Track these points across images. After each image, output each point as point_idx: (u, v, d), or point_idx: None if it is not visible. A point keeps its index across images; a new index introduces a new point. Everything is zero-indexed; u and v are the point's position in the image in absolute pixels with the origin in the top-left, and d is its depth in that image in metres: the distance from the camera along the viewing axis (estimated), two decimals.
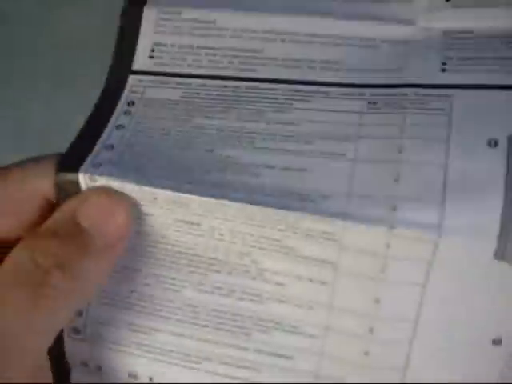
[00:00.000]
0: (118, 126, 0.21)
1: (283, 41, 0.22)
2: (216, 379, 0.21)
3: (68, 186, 0.20)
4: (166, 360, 0.21)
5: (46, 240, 0.19)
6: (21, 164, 0.21)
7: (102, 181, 0.20)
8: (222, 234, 0.20)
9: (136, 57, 0.23)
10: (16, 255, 0.18)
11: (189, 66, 0.23)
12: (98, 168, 0.20)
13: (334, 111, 0.21)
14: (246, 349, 0.21)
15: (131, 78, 0.23)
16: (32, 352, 0.18)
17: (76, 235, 0.19)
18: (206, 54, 0.23)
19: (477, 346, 0.19)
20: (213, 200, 0.19)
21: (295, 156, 0.20)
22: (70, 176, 0.20)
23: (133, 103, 0.22)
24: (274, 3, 0.23)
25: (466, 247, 0.18)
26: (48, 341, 0.19)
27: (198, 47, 0.23)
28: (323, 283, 0.20)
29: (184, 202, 0.20)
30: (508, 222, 0.18)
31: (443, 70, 0.21)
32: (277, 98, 0.22)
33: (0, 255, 0.19)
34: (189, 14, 0.23)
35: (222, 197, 0.19)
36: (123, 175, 0.20)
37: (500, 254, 0.18)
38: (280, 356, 0.21)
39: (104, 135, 0.21)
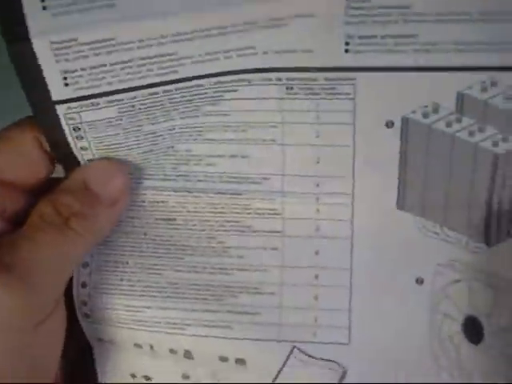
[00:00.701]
0: (82, 148, 0.24)
1: (192, 39, 0.22)
2: (200, 340, 0.26)
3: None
4: (158, 330, 0.26)
5: (64, 196, 0.23)
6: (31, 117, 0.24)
7: None
8: (194, 225, 0.25)
9: (51, 88, 0.22)
10: (41, 207, 0.23)
11: (109, 84, 0.22)
12: None
13: (257, 98, 0.23)
14: (219, 311, 0.26)
15: (59, 108, 0.23)
16: (56, 277, 0.23)
17: (86, 193, 0.24)
18: (122, 69, 0.22)
19: (402, 285, 0.25)
20: (188, 194, 0.25)
21: (237, 144, 0.24)
22: None
23: (78, 128, 0.23)
24: (173, 4, 0.21)
25: (374, 203, 0.24)
26: (68, 272, 0.24)
27: (110, 64, 0.22)
28: (274, 249, 0.25)
29: (165, 200, 0.25)
30: (402, 180, 0.24)
31: (346, 51, 0.22)
32: (206, 93, 0.23)
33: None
34: (85, 37, 0.22)
35: (192, 190, 0.25)
36: None
37: (401, 205, 0.24)
38: (248, 313, 0.26)
39: (78, 156, 0.24)
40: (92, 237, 0.24)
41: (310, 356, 0.26)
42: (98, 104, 0.23)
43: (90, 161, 0.24)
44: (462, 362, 0.25)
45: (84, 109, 0.23)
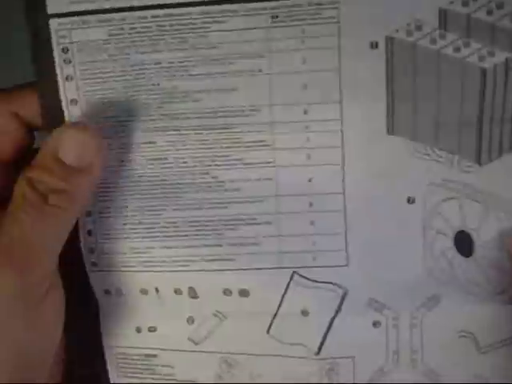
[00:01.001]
0: (67, 77, 0.25)
1: None
2: (203, 275, 0.27)
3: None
4: (163, 270, 0.27)
5: (38, 172, 0.24)
6: (5, 91, 0.25)
7: None
8: (185, 162, 0.26)
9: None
10: (20, 187, 0.24)
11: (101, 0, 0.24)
12: None
13: (244, 29, 0.24)
14: (220, 245, 0.27)
15: (52, 23, 0.24)
16: (46, 253, 0.24)
17: (59, 167, 0.24)
18: None
19: (394, 205, 0.25)
20: (174, 133, 0.25)
21: (224, 77, 0.24)
22: None
23: (67, 50, 0.24)
24: None
25: (364, 128, 0.24)
26: (57, 247, 0.24)
27: None
28: (268, 179, 0.26)
29: (153, 141, 0.25)
30: (391, 103, 0.24)
31: None
32: (194, 23, 0.24)
33: None
34: None
35: (179, 128, 0.25)
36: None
37: (391, 130, 0.24)
38: (248, 244, 0.27)
39: (61, 90, 0.25)
40: (74, 207, 0.24)
41: (310, 280, 0.27)
42: (88, 22, 0.24)
43: (66, 121, 0.25)
44: (456, 275, 0.26)
45: (75, 26, 0.24)
